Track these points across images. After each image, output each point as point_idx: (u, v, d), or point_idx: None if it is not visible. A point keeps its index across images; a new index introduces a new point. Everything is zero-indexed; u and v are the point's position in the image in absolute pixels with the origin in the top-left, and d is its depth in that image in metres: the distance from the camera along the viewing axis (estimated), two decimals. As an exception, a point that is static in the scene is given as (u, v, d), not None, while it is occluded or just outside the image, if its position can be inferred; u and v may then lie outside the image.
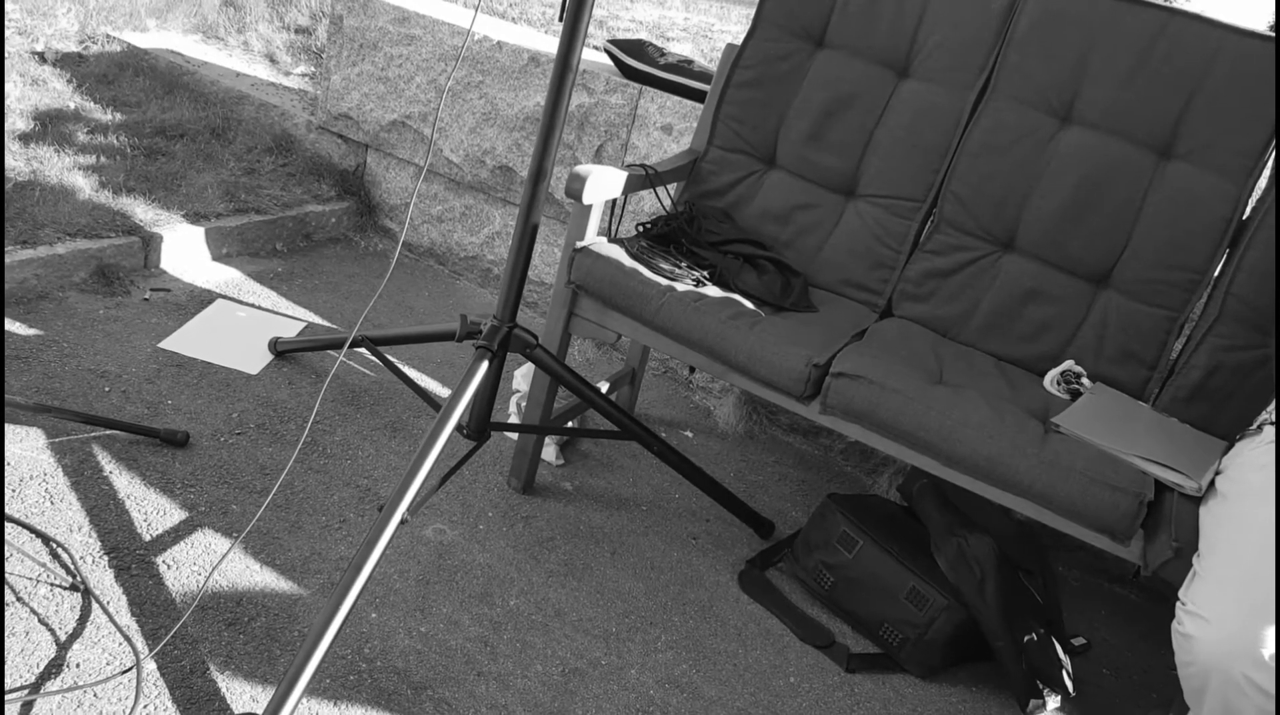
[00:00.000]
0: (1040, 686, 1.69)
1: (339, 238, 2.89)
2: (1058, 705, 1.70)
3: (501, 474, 1.96)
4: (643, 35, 3.97)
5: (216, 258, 2.51)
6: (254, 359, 2.10)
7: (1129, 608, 2.11)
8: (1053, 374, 1.79)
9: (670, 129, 2.51)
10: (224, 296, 2.33)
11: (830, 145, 2.02)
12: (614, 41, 2.67)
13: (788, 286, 1.88)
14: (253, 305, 2.34)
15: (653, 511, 1.99)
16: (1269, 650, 1.25)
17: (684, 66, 2.59)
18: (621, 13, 4.01)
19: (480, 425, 1.73)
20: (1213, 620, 1.29)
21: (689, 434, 2.34)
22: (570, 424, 2.08)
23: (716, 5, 4.48)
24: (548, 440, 2.04)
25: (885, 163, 1.99)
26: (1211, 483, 1.50)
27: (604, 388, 2.12)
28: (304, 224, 2.78)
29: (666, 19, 4.08)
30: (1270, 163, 1.77)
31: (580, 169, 1.71)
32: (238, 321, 2.24)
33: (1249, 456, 1.50)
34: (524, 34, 3.02)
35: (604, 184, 1.76)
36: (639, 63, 2.58)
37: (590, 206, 1.76)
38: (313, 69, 3.55)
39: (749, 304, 1.77)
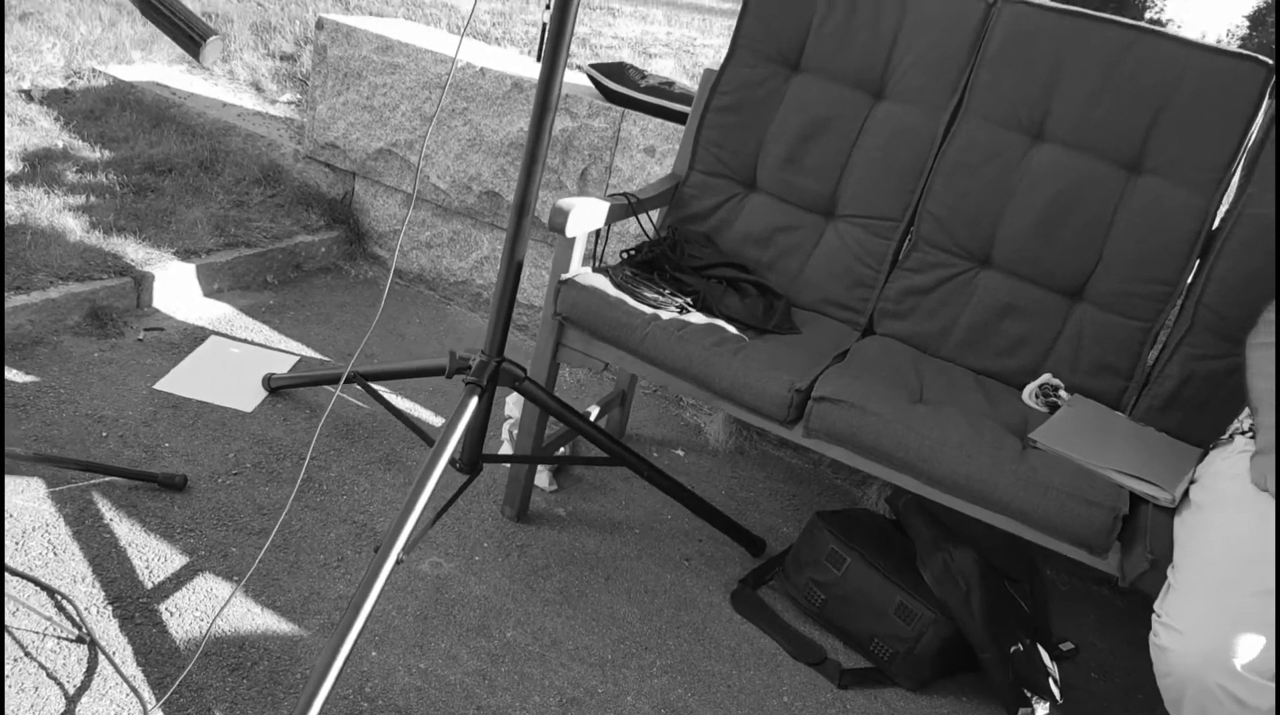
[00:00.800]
0: (1028, 695, 1.73)
1: (329, 267, 2.92)
2: (1046, 712, 1.74)
3: (496, 503, 1.99)
4: (625, 52, 4.00)
5: (208, 293, 2.54)
6: (248, 396, 2.13)
7: (1117, 612, 2.15)
8: (1031, 387, 1.83)
9: (653, 151, 2.54)
10: (217, 333, 2.36)
11: (808, 168, 2.06)
12: (595, 65, 2.71)
13: (770, 309, 1.91)
14: (245, 341, 2.37)
15: (646, 534, 2.02)
16: (1242, 660, 1.28)
17: (665, 89, 2.62)
18: (604, 29, 4.03)
19: (472, 459, 1.76)
20: (1186, 632, 1.32)
21: (680, 452, 2.38)
22: (562, 450, 2.12)
23: (699, 19, 4.52)
24: (540, 467, 2.08)
25: (862, 184, 2.02)
26: (1186, 492, 1.54)
27: (594, 412, 2.15)
28: (294, 255, 2.81)
29: (649, 34, 4.11)
30: (1237, 177, 1.81)
31: (563, 202, 1.74)
32: (231, 358, 2.27)
33: (1221, 465, 1.54)
34: (507, 58, 3.05)
35: (587, 216, 1.79)
36: (620, 86, 2.61)
37: (574, 239, 1.80)
38: (298, 96, 3.58)
39: (732, 329, 1.81)
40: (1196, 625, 1.33)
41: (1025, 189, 1.90)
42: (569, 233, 1.74)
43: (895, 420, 1.60)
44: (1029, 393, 1.82)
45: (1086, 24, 1.88)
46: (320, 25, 2.92)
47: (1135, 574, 1.47)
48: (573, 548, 1.92)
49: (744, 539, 2.01)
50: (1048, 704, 1.74)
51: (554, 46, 1.50)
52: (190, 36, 1.11)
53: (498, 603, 1.72)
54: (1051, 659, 1.82)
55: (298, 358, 2.35)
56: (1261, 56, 1.77)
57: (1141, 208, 1.83)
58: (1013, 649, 1.71)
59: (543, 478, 2.08)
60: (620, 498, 2.12)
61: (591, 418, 2.12)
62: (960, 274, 1.96)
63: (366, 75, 2.89)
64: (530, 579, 1.80)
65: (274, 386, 2.15)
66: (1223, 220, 1.80)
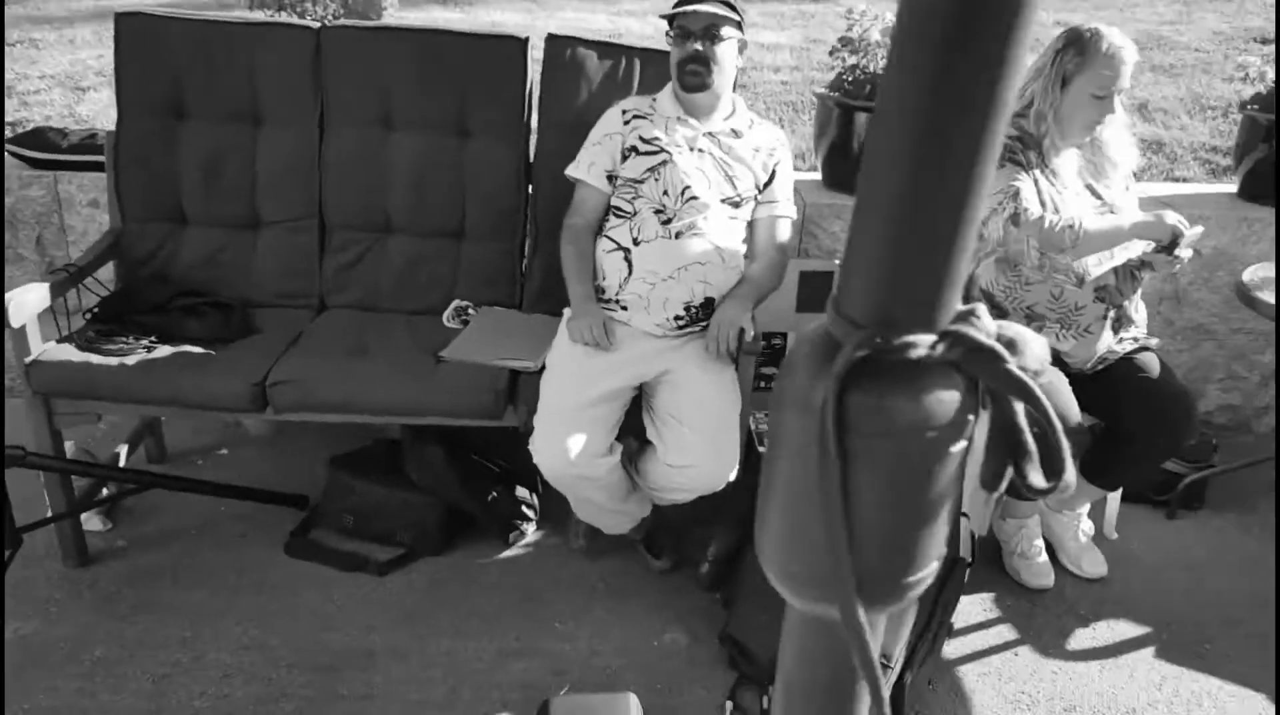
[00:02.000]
0: (516, 523, 2.42)
1: None
2: (533, 528, 2.45)
3: (58, 560, 2.26)
4: (57, 91, 3.96)
5: None
6: None
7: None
8: (447, 313, 2.45)
9: (97, 203, 2.76)
10: None
11: (225, 193, 2.46)
12: (13, 139, 2.82)
13: (228, 321, 2.33)
14: None
15: (204, 530, 2.41)
16: (573, 453, 1.99)
17: (88, 143, 2.82)
18: (29, 69, 3.92)
19: (13, 537, 2.03)
20: (538, 443, 2.02)
21: (224, 451, 2.76)
22: (105, 490, 2.41)
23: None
24: (89, 512, 2.37)
25: (276, 194, 2.47)
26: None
27: (124, 449, 2.46)
28: None
29: (80, 63, 4.08)
30: (535, 123, 2.51)
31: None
32: None
33: (560, 331, 2.25)
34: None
35: (28, 304, 2.07)
36: (42, 153, 2.77)
37: (24, 325, 2.07)
38: None
39: (198, 349, 2.21)
40: (541, 437, 2.03)
41: (394, 168, 2.47)
42: (14, 324, 2.01)
43: (336, 378, 2.13)
44: (446, 317, 2.44)
45: (399, 34, 2.46)
46: None
47: (525, 422, 2.16)
48: (138, 567, 2.27)
49: (287, 501, 2.47)
50: (532, 524, 2.45)
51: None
52: None
53: (82, 634, 2.05)
54: (531, 493, 2.52)
55: None
56: (515, 34, 2.45)
57: (478, 162, 2.48)
58: (490, 497, 2.37)
59: (94, 522, 2.37)
60: (173, 511, 2.47)
61: (123, 454, 2.44)
62: (374, 244, 2.51)
63: None
64: (106, 606, 2.14)
65: None
66: (535, 155, 2.51)
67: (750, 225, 2.33)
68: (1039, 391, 0.47)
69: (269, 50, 2.41)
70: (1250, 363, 2.98)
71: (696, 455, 2.06)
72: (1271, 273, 2.46)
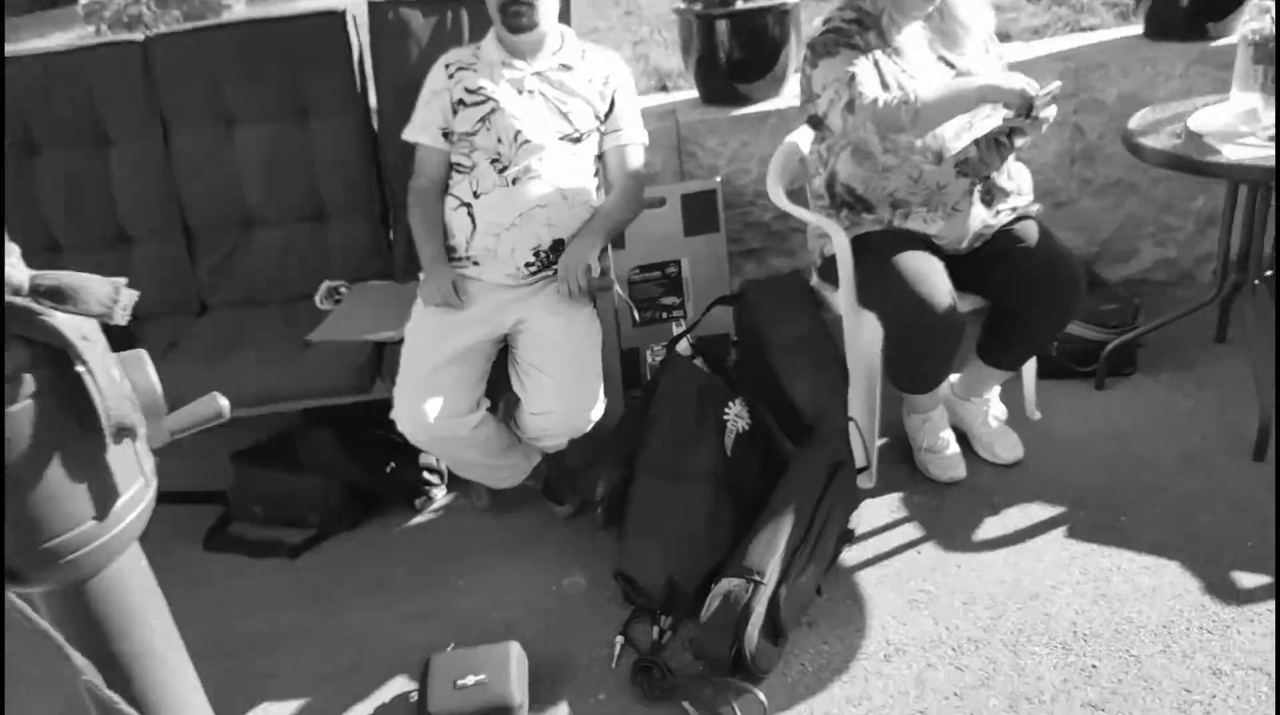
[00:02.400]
0: (424, 490, 2.44)
1: None
2: (442, 493, 2.47)
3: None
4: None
5: None
6: None
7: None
8: (319, 295, 2.45)
9: None
10: None
11: (90, 217, 2.52)
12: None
13: (108, 336, 2.37)
14: None
15: (133, 538, 2.48)
16: (431, 416, 1.99)
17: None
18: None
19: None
20: (399, 410, 2.02)
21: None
22: None
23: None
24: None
25: (137, 209, 2.51)
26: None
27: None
28: None
29: None
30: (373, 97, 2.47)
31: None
32: None
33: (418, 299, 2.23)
34: None
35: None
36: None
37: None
38: None
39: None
40: (399, 404, 2.03)
41: (244, 162, 2.48)
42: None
43: (200, 377, 2.16)
44: (319, 300, 2.44)
45: (222, 30, 2.48)
46: None
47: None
48: (67, 583, 2.35)
49: (205, 499, 2.53)
50: (441, 490, 2.47)
51: None
52: None
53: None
54: (438, 458, 2.52)
55: None
56: (332, 8, 2.40)
57: (323, 142, 2.47)
58: (388, 469, 2.39)
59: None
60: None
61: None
62: (240, 241, 2.52)
63: None
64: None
65: None
66: (380, 124, 2.47)
67: (601, 158, 2.27)
68: (77, 345, 0.44)
69: (101, 71, 2.43)
70: (1181, 211, 2.81)
71: (553, 400, 2.04)
72: (1160, 114, 2.30)
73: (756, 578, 1.82)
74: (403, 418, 2.02)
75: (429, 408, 2.01)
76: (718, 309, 2.52)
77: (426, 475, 2.45)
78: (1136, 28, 2.85)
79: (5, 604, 0.71)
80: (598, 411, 2.07)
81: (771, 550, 1.87)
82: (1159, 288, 2.93)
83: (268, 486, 2.39)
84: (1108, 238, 2.85)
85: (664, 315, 2.81)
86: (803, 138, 2.30)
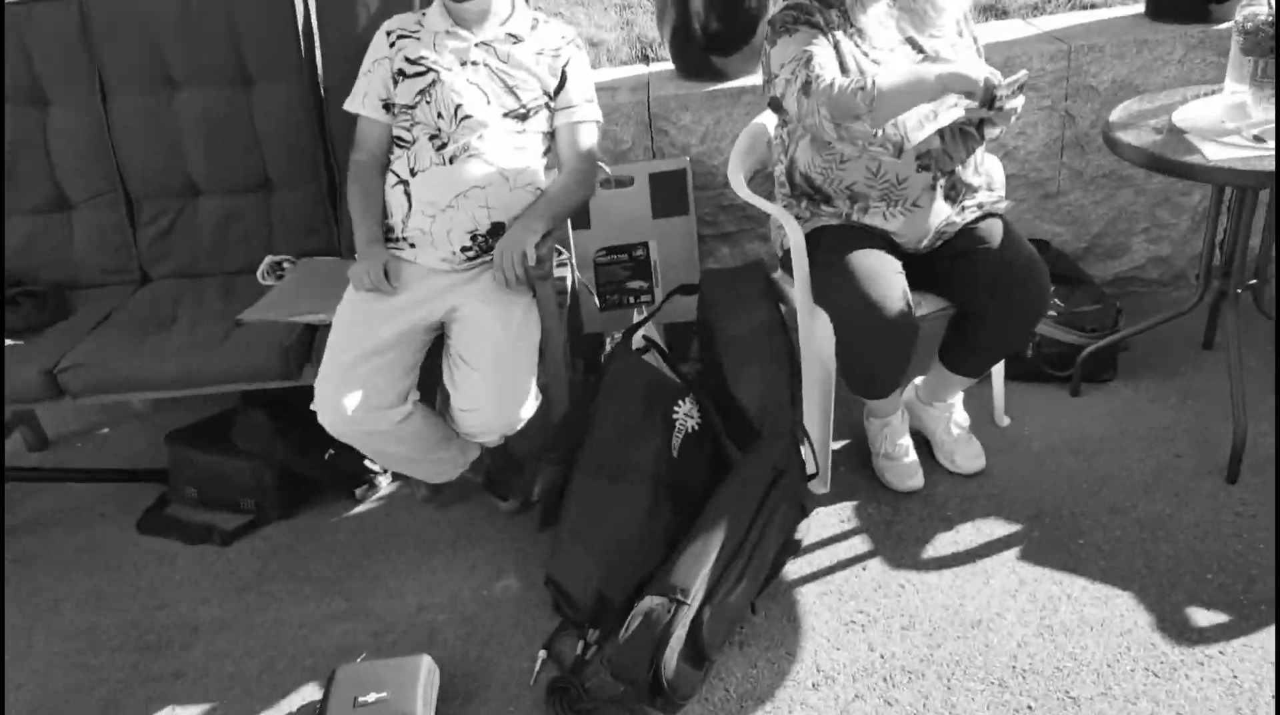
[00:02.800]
0: (367, 478, 2.36)
1: None
2: (388, 481, 2.39)
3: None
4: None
5: None
6: None
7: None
8: (261, 269, 2.35)
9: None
10: None
11: (28, 179, 2.41)
12: None
13: (42, 308, 2.30)
14: None
15: (71, 517, 2.43)
16: (354, 406, 1.89)
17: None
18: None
19: None
20: (319, 401, 1.92)
21: (106, 431, 2.77)
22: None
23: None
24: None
25: (76, 173, 2.41)
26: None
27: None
28: None
29: None
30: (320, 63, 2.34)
31: None
32: None
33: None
34: None
35: None
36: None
37: None
38: None
39: (11, 342, 2.18)
40: (319, 395, 1.93)
41: (185, 128, 2.37)
42: None
43: (124, 356, 2.08)
44: (260, 275, 2.34)
45: None
46: None
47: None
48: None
49: (148, 477, 2.47)
50: (385, 479, 2.39)
51: None
52: None
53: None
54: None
55: None
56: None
57: (267, 109, 2.35)
58: (327, 455, 2.31)
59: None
60: (47, 496, 2.50)
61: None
62: (183, 209, 2.42)
63: None
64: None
65: None
66: (327, 93, 2.35)
67: (553, 136, 2.15)
68: None
69: (38, 30, 2.31)
70: (1175, 206, 2.64)
71: (481, 397, 1.94)
72: (1146, 105, 2.13)
73: (679, 597, 1.73)
74: (323, 409, 1.93)
75: (349, 400, 1.91)
76: (691, 296, 2.40)
77: (369, 463, 2.36)
78: (1138, 6, 2.65)
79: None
80: (528, 409, 1.97)
81: (699, 566, 1.77)
82: (1150, 286, 2.77)
83: (202, 469, 2.32)
84: (1098, 232, 2.69)
85: (630, 300, 2.69)
86: (771, 119, 2.16)
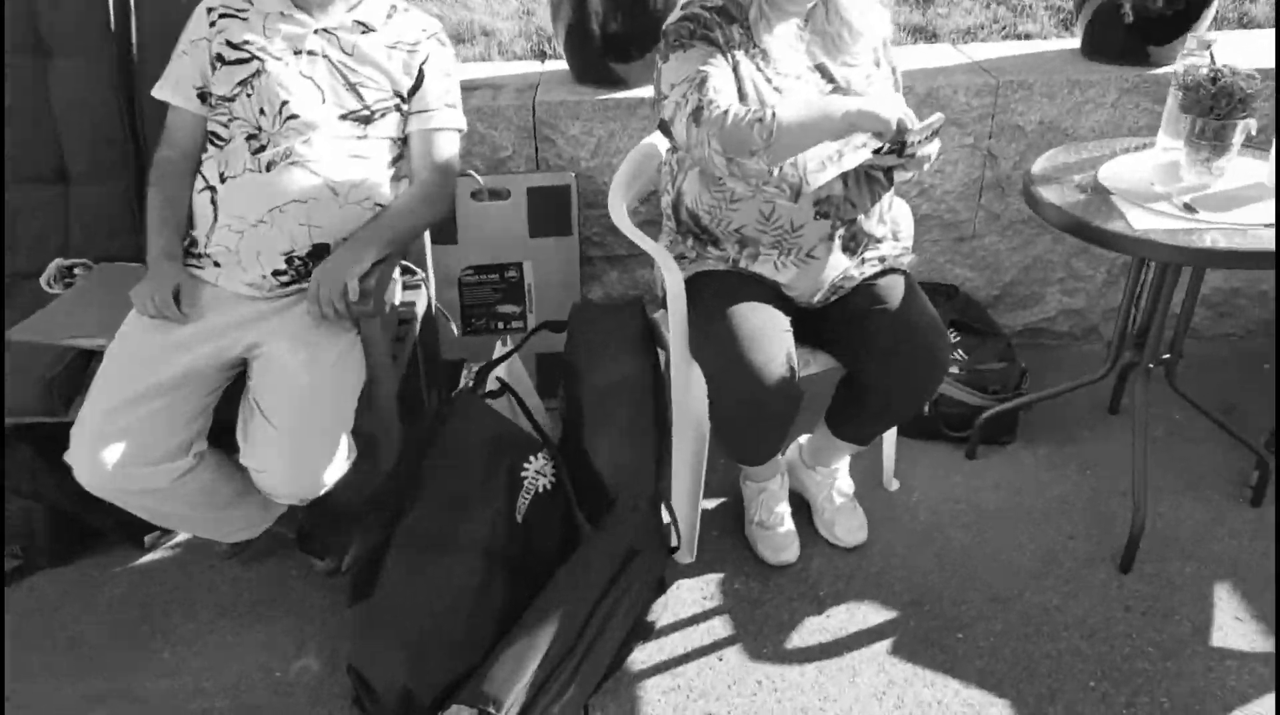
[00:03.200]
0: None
1: None
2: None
3: None
4: None
5: None
6: None
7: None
8: (46, 275, 1.96)
9: None
10: None
11: None
12: None
13: None
14: None
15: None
16: (114, 459, 1.56)
17: None
18: None
19: None
20: (73, 456, 1.58)
21: None
22: None
23: None
24: None
25: None
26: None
27: None
28: None
29: None
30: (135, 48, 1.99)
31: None
32: None
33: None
34: None
35: None
36: None
37: None
38: None
39: None
40: (74, 443, 1.59)
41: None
42: None
43: None
44: (45, 281, 1.97)
45: None
46: None
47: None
48: None
49: None
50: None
51: None
52: None
53: None
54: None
55: None
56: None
57: (66, 86, 1.99)
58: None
59: None
60: None
61: None
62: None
63: None
64: None
65: None
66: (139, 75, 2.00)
67: (405, 143, 1.85)
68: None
69: None
70: (1093, 257, 2.46)
71: (273, 456, 1.62)
72: (1072, 157, 1.93)
73: (490, 710, 1.48)
74: (77, 462, 1.58)
75: (108, 453, 1.56)
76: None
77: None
78: (1074, 40, 2.45)
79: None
80: (334, 473, 1.67)
81: (520, 671, 1.53)
82: (1060, 339, 2.60)
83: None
84: (1010, 280, 2.50)
85: (500, 325, 2.41)
86: (664, 141, 1.90)
